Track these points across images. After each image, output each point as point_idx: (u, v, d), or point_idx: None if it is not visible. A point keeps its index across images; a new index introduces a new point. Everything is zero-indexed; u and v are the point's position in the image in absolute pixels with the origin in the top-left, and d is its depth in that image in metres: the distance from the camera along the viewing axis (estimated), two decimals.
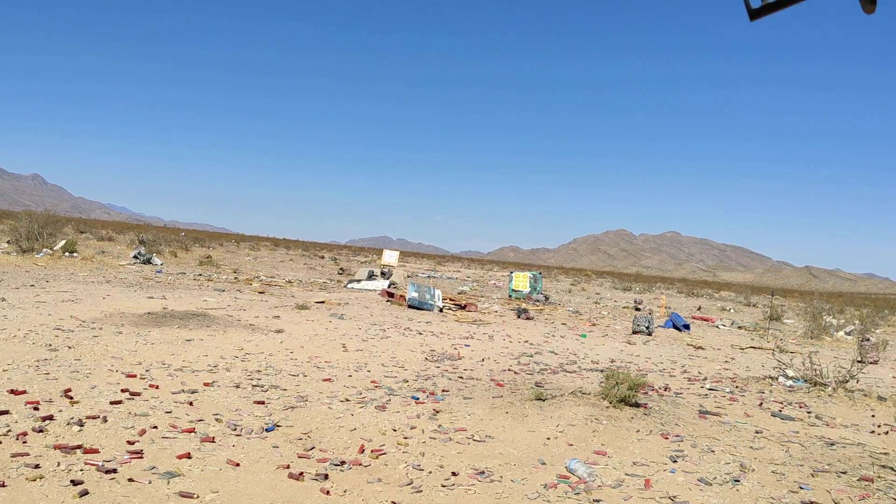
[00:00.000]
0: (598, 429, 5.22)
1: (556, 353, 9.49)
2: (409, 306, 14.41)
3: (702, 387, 7.65)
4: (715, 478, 4.27)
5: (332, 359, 7.42)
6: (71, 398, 4.77)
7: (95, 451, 3.77)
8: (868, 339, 12.30)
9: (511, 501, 3.65)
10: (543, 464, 4.30)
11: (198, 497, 3.32)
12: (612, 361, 9.15)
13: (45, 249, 18.40)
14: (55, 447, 3.76)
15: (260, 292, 15.08)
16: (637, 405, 5.98)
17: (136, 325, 8.40)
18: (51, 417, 4.25)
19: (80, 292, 11.37)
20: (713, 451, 4.87)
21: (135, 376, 5.63)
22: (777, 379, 8.23)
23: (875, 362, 11.48)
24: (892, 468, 4.78)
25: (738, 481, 4.23)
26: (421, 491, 3.68)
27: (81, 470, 3.50)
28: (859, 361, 9.65)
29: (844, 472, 4.59)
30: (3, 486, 3.21)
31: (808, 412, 6.61)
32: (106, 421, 4.33)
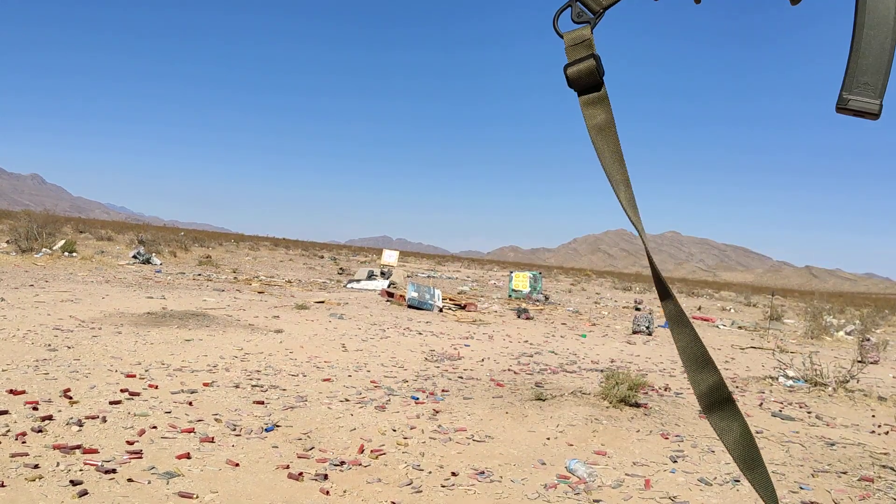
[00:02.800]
0: (598, 429, 5.22)
1: (556, 353, 9.49)
2: (409, 306, 14.40)
3: None
4: (715, 478, 4.27)
5: (331, 359, 7.41)
6: (70, 398, 4.76)
7: (95, 452, 3.76)
8: (868, 339, 12.29)
9: (511, 501, 3.64)
10: (543, 464, 4.29)
11: (197, 497, 3.31)
12: (612, 361, 9.14)
13: (44, 249, 18.39)
14: (54, 447, 3.75)
15: (259, 292, 15.08)
16: (637, 405, 5.97)
17: (135, 324, 8.39)
18: (50, 417, 4.25)
19: (80, 292, 11.36)
20: (713, 452, 4.86)
21: (134, 376, 5.62)
22: (777, 379, 8.23)
23: (875, 362, 11.47)
24: (892, 468, 4.78)
25: (738, 481, 4.22)
26: (421, 491, 3.68)
27: (81, 470, 3.50)
28: (859, 361, 9.64)
29: (845, 473, 4.58)
30: (3, 486, 3.20)
31: (809, 412, 6.61)
32: (105, 421, 4.33)
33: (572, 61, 0.79)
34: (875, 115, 0.78)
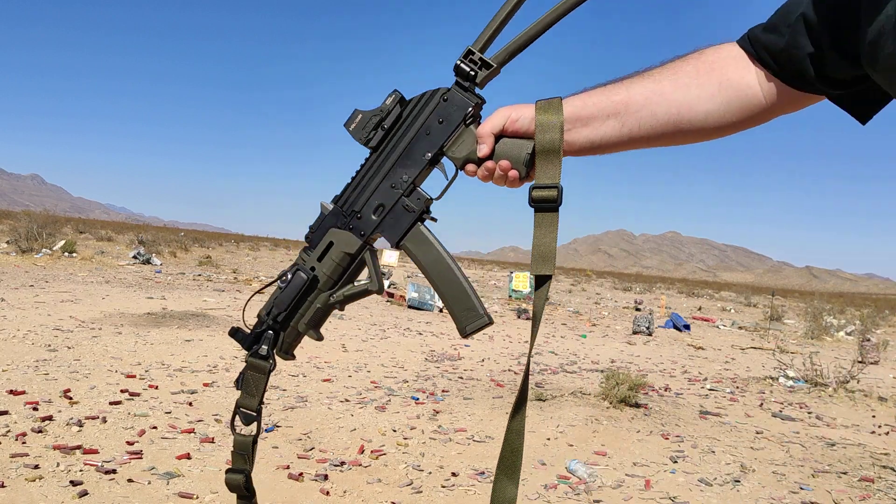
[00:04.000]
0: (599, 429, 5.22)
1: (556, 354, 9.49)
2: (409, 306, 14.40)
3: (702, 387, 7.64)
4: (715, 478, 4.27)
5: (331, 359, 7.41)
6: (70, 398, 4.76)
7: (95, 452, 3.76)
8: (869, 340, 12.29)
9: None
10: (543, 464, 4.29)
11: (197, 497, 3.31)
12: (613, 362, 9.14)
13: (44, 249, 18.39)
14: (54, 448, 3.75)
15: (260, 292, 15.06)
16: (637, 405, 5.97)
17: (135, 325, 8.39)
18: (50, 418, 4.25)
19: (80, 292, 11.36)
20: (714, 452, 4.87)
21: (134, 377, 5.62)
22: (777, 379, 8.23)
23: (876, 362, 11.47)
24: (892, 468, 4.78)
25: (739, 482, 4.22)
26: (421, 491, 3.68)
27: (81, 470, 3.50)
28: (860, 362, 9.64)
29: (845, 473, 4.58)
30: (3, 486, 3.21)
31: (809, 412, 6.61)
32: (105, 421, 4.33)
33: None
34: (490, 324, 1.01)
